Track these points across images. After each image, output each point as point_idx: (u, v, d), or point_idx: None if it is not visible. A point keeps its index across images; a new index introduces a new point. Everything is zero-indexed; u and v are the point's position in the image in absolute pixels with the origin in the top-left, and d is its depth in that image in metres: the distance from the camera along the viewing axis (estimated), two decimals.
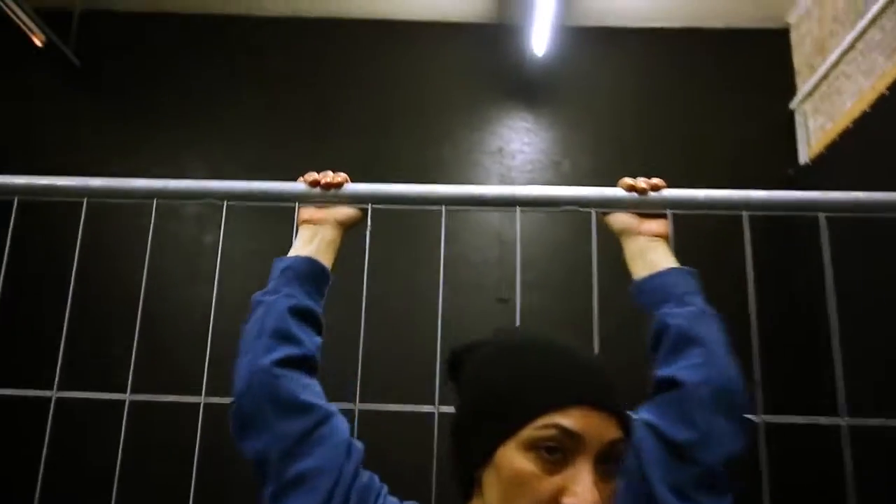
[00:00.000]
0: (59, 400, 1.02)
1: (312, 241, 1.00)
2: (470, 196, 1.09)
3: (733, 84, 3.28)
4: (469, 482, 0.74)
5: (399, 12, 3.37)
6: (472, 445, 0.71)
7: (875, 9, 2.51)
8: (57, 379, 1.03)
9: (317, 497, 0.77)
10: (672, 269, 0.99)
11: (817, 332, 2.75)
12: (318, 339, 0.93)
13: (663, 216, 1.05)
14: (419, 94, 3.33)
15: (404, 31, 3.38)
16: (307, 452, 0.80)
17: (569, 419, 0.66)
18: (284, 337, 0.88)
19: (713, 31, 3.36)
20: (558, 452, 0.65)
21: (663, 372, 0.89)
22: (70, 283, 1.11)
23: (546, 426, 0.66)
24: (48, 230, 2.24)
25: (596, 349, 0.98)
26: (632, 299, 1.02)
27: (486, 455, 0.69)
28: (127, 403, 1.01)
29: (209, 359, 1.07)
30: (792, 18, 3.29)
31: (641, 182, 1.05)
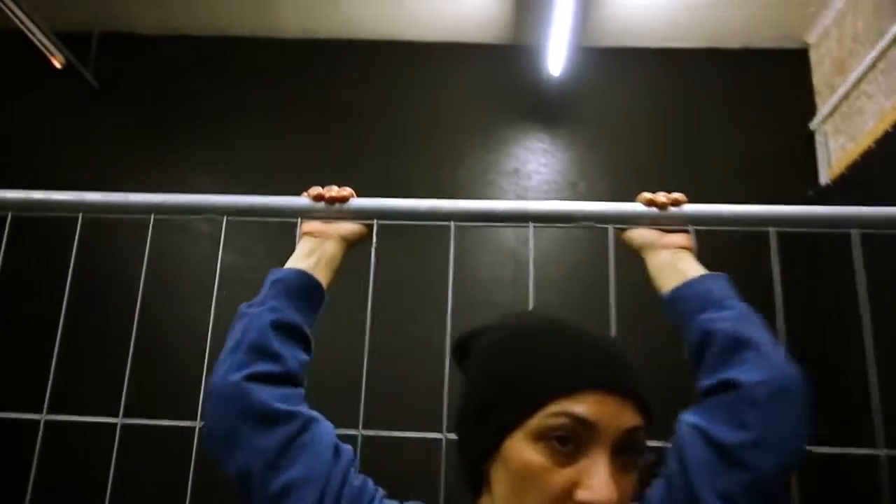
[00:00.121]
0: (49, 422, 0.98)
1: (311, 254, 0.96)
2: (480, 211, 1.04)
3: (751, 105, 3.22)
4: (477, 477, 0.68)
5: (413, 34, 3.36)
6: (479, 438, 0.66)
7: None
8: (46, 403, 1.00)
9: None
10: (705, 276, 0.94)
11: (843, 353, 2.65)
12: (305, 357, 0.87)
13: (685, 230, 1.00)
14: (434, 115, 3.30)
15: (419, 53, 3.37)
16: (290, 463, 0.74)
17: (581, 406, 0.60)
18: (263, 352, 0.82)
19: (731, 52, 3.31)
20: (570, 442, 0.60)
21: (714, 378, 0.81)
22: (69, 298, 1.07)
23: (556, 414, 0.60)
24: (52, 244, 2.22)
25: None
26: (664, 310, 0.95)
27: (493, 447, 0.64)
28: (119, 427, 0.96)
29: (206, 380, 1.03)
30: (811, 38, 3.24)
31: (661, 196, 1.01)
